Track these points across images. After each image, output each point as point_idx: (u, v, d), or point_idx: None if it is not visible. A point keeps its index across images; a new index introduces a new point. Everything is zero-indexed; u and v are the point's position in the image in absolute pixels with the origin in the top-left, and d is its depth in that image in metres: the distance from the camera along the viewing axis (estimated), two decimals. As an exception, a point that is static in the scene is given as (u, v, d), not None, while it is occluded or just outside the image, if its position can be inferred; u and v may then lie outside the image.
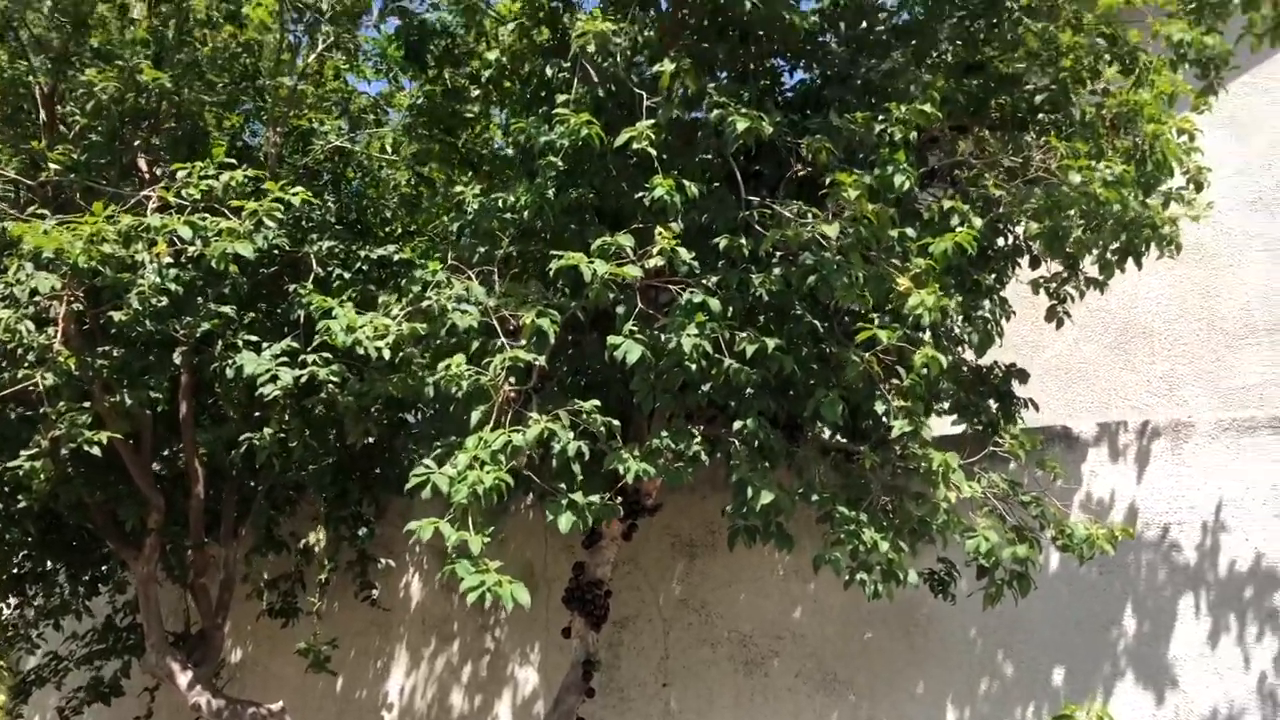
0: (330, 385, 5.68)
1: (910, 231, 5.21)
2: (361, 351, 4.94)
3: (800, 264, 5.03)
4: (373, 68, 7.68)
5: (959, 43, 6.74)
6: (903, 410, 5.05)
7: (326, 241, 6.48)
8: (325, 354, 5.56)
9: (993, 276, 7.00)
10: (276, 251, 6.67)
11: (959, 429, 7.03)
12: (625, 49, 5.20)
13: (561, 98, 5.21)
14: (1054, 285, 7.23)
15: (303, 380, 5.66)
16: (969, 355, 6.72)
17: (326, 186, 7.33)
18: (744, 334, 4.95)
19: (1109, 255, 6.21)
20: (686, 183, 5.08)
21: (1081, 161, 5.32)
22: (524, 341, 4.88)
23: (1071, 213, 5.61)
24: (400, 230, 7.24)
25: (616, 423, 4.93)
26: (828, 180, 4.94)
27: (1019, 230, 6.62)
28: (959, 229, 5.26)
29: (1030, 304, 7.37)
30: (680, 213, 5.01)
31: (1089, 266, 6.77)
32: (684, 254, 4.84)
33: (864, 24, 6.69)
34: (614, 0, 5.70)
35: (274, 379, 5.65)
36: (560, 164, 5.10)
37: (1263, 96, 9.17)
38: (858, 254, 4.81)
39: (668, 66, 5.07)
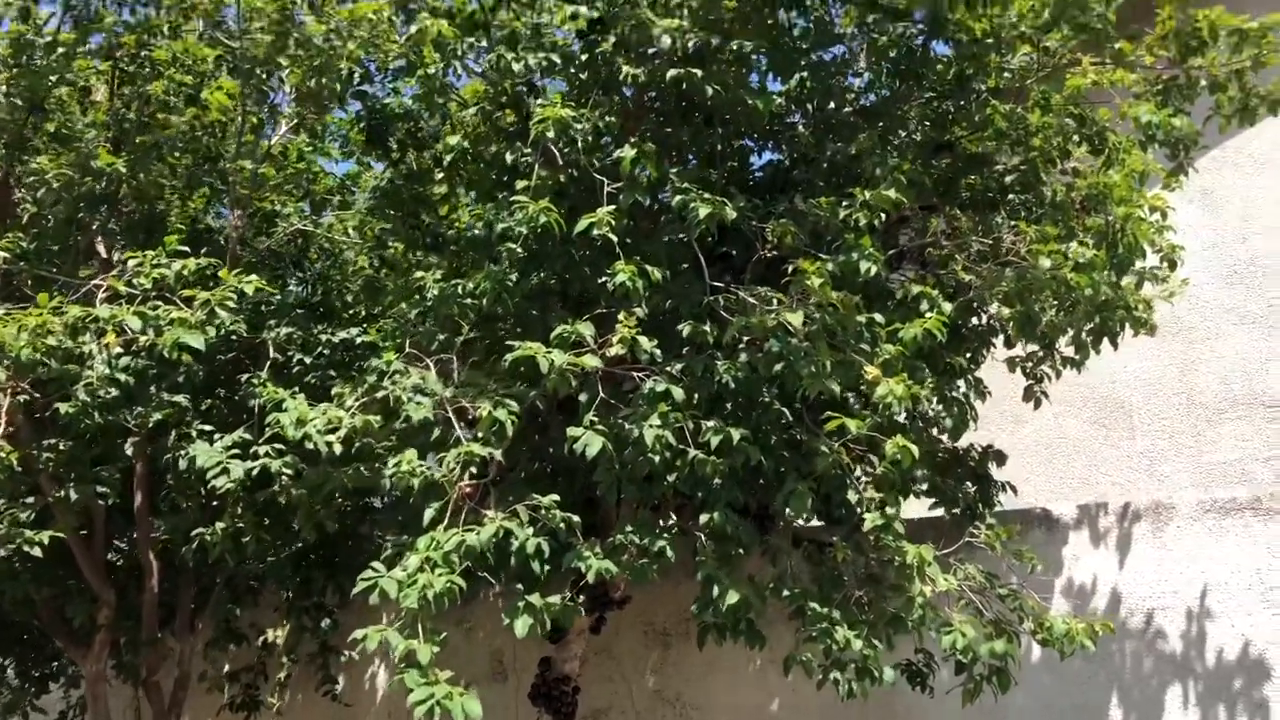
0: (284, 477, 5.48)
1: (879, 317, 5.09)
2: (312, 446, 4.76)
3: (766, 351, 4.89)
4: (339, 148, 7.59)
5: (927, 123, 6.70)
6: (875, 502, 4.90)
7: (285, 328, 6.33)
8: (279, 445, 5.37)
9: (967, 356, 6.91)
10: (234, 337, 6.51)
11: (936, 512, 6.87)
12: (586, 134, 5.11)
13: (522, 183, 5.10)
14: (1030, 365, 7.14)
15: (255, 473, 5.47)
16: (945, 436, 6.58)
17: (288, 269, 7.20)
18: (710, 424, 4.79)
19: (1083, 336, 6.11)
20: (650, 268, 4.96)
21: (1051, 246, 5.23)
22: (481, 434, 4.71)
23: (1044, 295, 5.52)
24: (364, 313, 7.11)
25: (577, 519, 4.74)
26: (790, 268, 4.83)
27: (992, 310, 6.52)
28: (929, 314, 5.15)
29: (1010, 377, 7.26)
30: (643, 298, 4.88)
31: (1064, 346, 6.68)
32: (645, 343, 4.70)
33: (831, 105, 6.65)
34: (576, 85, 5.62)
35: (225, 471, 5.45)
36: (520, 250, 4.98)
37: (1233, 170, 9.16)
38: (824, 342, 4.67)
39: (628, 152, 4.98)
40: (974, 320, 6.70)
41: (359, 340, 6.68)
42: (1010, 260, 5.45)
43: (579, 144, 5.02)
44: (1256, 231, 9.36)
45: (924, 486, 6.69)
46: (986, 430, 7.47)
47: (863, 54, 6.62)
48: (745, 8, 5.93)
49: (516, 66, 5.17)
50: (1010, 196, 6.38)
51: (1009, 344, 7.17)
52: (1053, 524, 7.27)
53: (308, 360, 6.66)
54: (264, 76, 6.82)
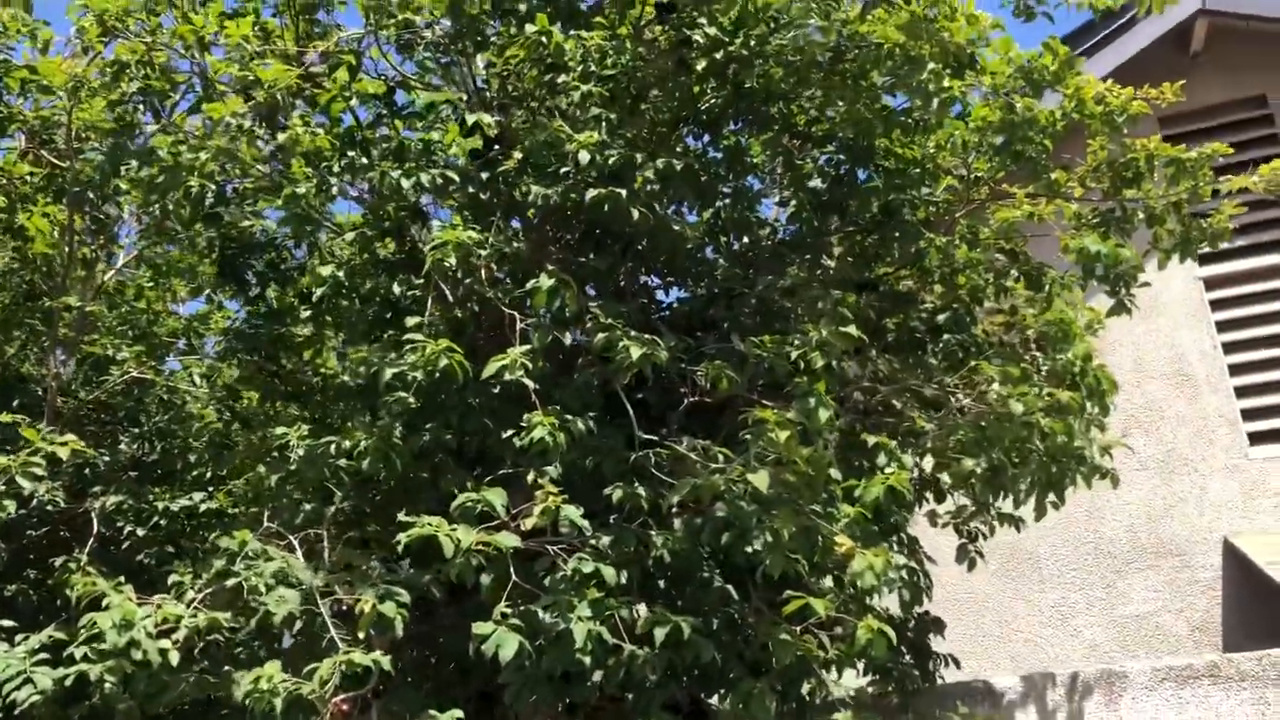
0: (106, 686, 4.30)
1: (834, 473, 4.36)
2: (140, 656, 3.67)
3: (709, 518, 4.09)
4: (185, 283, 6.59)
5: (850, 259, 6.16)
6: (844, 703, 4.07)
7: (114, 495, 5.22)
8: (101, 646, 4.20)
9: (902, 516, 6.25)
10: (53, 508, 5.37)
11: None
12: (491, 262, 4.32)
13: (413, 320, 4.25)
14: (960, 521, 6.51)
15: (69, 682, 4.28)
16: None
17: (121, 424, 6.09)
18: (646, 612, 3.92)
19: (1025, 489, 5.49)
20: (570, 419, 4.13)
21: (1021, 389, 4.62)
22: (362, 633, 3.72)
23: (1008, 445, 4.89)
24: (209, 475, 6.02)
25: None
26: (749, 420, 4.06)
27: (928, 463, 5.89)
28: (888, 469, 4.44)
29: (920, 532, 6.63)
30: (556, 455, 4.04)
31: (999, 501, 6.09)
32: (573, 513, 3.83)
33: (746, 238, 6.06)
34: (472, 208, 4.85)
35: (29, 682, 4.25)
36: (412, 400, 4.08)
37: (1122, 318, 8.99)
38: (788, 508, 3.89)
39: (545, 282, 4.19)
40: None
41: (203, 508, 5.60)
42: (964, 406, 4.83)
43: (481, 274, 4.21)
44: (1151, 377, 9.20)
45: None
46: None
47: (780, 184, 6.09)
48: (657, 129, 5.33)
49: (406, 184, 4.36)
50: (946, 337, 5.83)
51: (939, 497, 6.56)
52: (996, 699, 6.53)
53: (140, 533, 5.53)
54: (98, 201, 5.86)
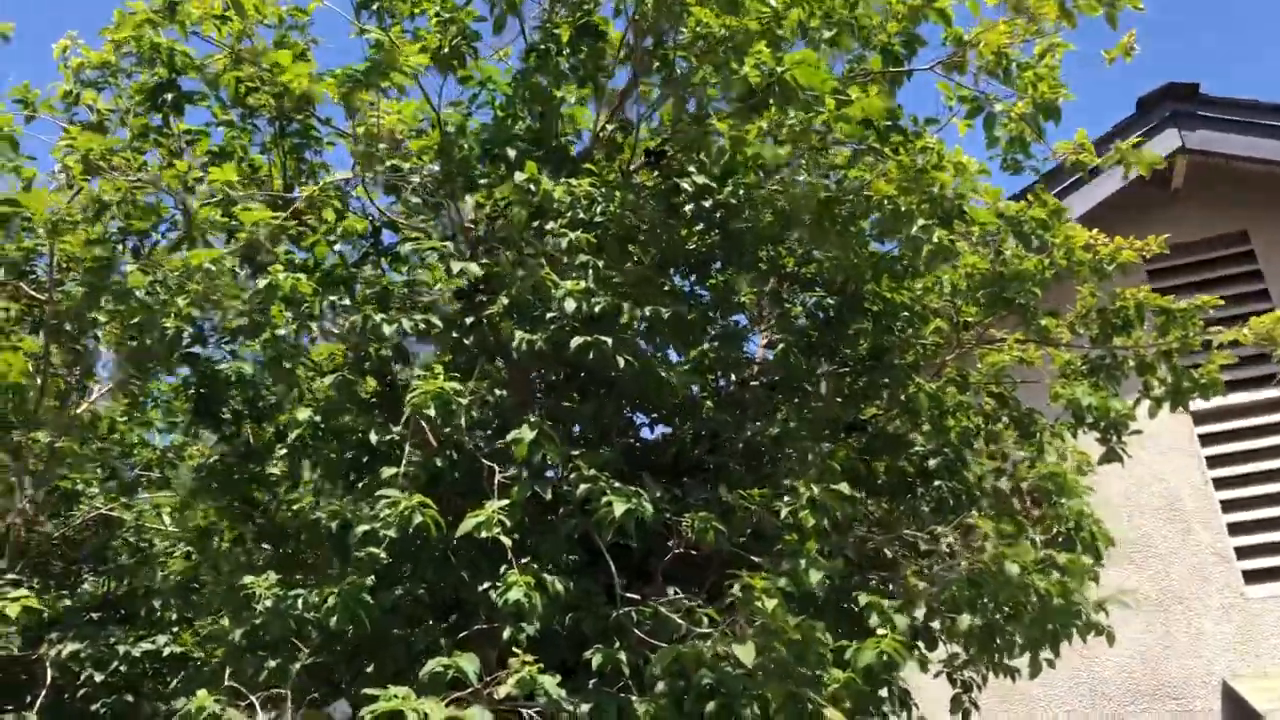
0: None
1: (825, 637, 4.18)
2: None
3: (695, 684, 3.90)
4: (162, 416, 6.45)
5: (838, 399, 6.07)
6: None
7: (72, 643, 4.99)
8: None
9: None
10: (4, 654, 5.14)
11: None
12: (471, 410, 4.21)
13: (389, 471, 4.11)
14: (954, 670, 6.31)
15: None
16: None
17: (86, 562, 5.89)
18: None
19: (1020, 645, 5.31)
20: (548, 578, 3.97)
21: (1019, 549, 4.48)
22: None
23: (1002, 602, 4.74)
24: (174, 617, 5.80)
25: None
26: (737, 586, 3.91)
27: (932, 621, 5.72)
28: (881, 631, 4.27)
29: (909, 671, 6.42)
30: (538, 614, 3.87)
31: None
32: (550, 683, 3.64)
33: (734, 378, 5.98)
34: (455, 350, 4.76)
35: None
36: (383, 556, 3.92)
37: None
38: (775, 680, 3.71)
39: (526, 434, 4.07)
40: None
41: (166, 651, 5.36)
42: (957, 560, 4.69)
43: (461, 422, 4.10)
44: (1142, 511, 9.06)
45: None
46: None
47: (768, 324, 6.03)
48: (643, 272, 5.28)
49: (388, 330, 4.28)
50: (937, 483, 5.71)
51: (931, 646, 6.37)
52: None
53: (99, 678, 5.28)
54: (76, 333, 5.76)
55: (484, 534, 3.84)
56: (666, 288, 5.68)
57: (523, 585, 3.79)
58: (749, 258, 5.55)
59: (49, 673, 4.93)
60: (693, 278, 5.88)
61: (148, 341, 4.36)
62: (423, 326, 4.35)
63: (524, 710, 3.89)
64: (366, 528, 3.87)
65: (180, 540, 5.65)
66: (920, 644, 6.17)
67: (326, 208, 4.45)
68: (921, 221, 4.43)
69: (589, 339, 4.23)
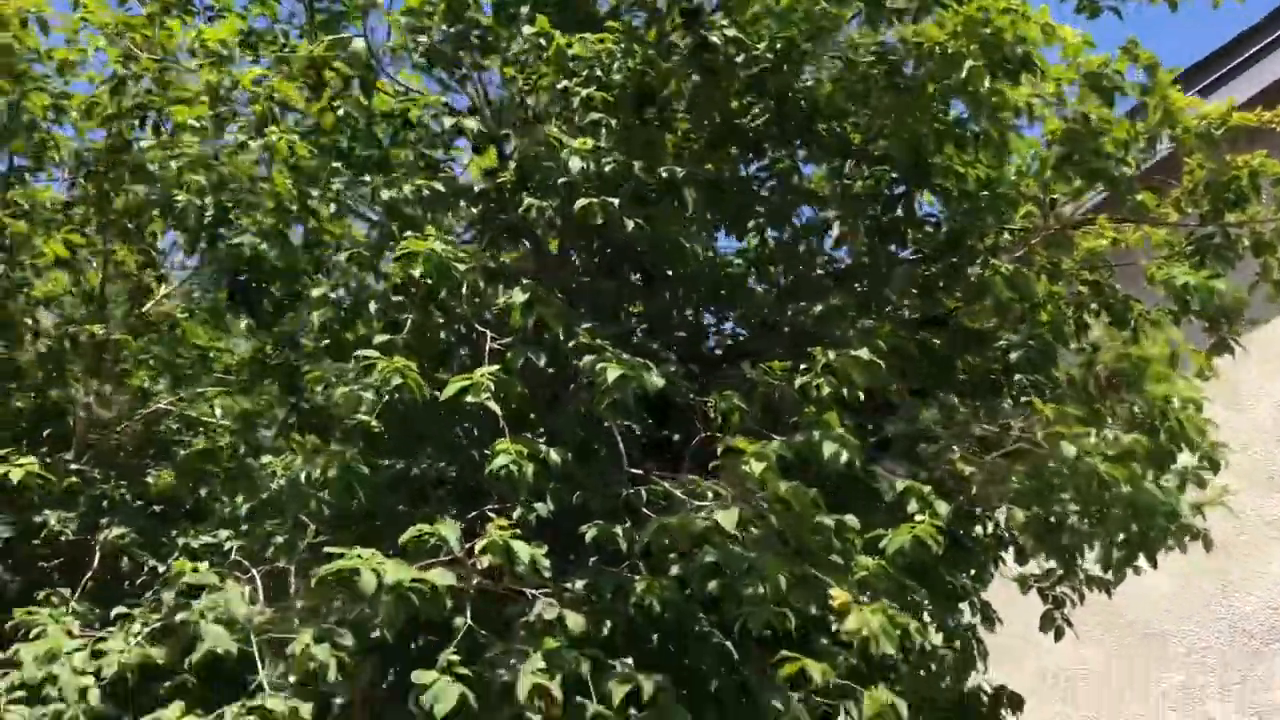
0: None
1: (852, 520, 3.83)
2: (56, 693, 3.38)
3: (700, 563, 3.61)
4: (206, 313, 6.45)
5: (914, 291, 5.61)
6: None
7: (118, 528, 5.05)
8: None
9: (970, 574, 5.61)
10: (64, 539, 5.25)
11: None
12: (477, 278, 3.97)
13: (381, 338, 3.93)
14: (1047, 585, 5.83)
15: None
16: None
17: (150, 458, 5.96)
18: (619, 669, 3.47)
19: (1115, 550, 4.81)
20: (547, 449, 3.73)
21: (1075, 428, 4.00)
22: (296, 678, 3.36)
23: (1066, 494, 4.27)
24: (230, 511, 5.81)
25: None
26: (718, 449, 3.60)
27: (1001, 516, 5.28)
28: (918, 518, 3.88)
29: (1015, 596, 5.96)
30: (538, 488, 3.63)
31: (1090, 563, 5.40)
32: (523, 550, 3.40)
33: (800, 268, 5.58)
34: (480, 225, 4.52)
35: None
36: (375, 425, 3.75)
37: (1260, 365, 8.07)
38: (771, 553, 3.39)
39: (518, 296, 3.82)
40: (978, 529, 5.47)
41: (228, 546, 5.36)
42: (1021, 449, 4.23)
43: (463, 289, 3.87)
44: (1295, 436, 8.25)
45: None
46: (991, 660, 6.18)
47: (836, 211, 5.60)
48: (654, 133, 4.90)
49: (386, 195, 4.08)
50: (1017, 377, 5.22)
51: (1021, 557, 5.89)
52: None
53: (161, 569, 5.32)
54: (141, 231, 5.81)
55: (470, 399, 3.62)
56: (728, 171, 5.34)
57: (513, 452, 3.55)
58: (808, 132, 5.15)
59: (96, 557, 4.97)
60: (752, 161, 5.50)
61: (170, 224, 4.26)
62: (428, 195, 4.12)
63: (527, 591, 3.68)
64: (344, 390, 3.70)
65: (230, 432, 5.65)
66: (1004, 555, 5.73)
67: (340, 74, 4.25)
68: (971, 63, 3.94)
69: (595, 200, 3.94)
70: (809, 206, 5.65)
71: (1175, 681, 8.11)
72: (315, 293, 4.39)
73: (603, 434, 4.04)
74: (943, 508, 3.93)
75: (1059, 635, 5.88)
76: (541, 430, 4.01)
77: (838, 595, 3.39)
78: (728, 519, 3.34)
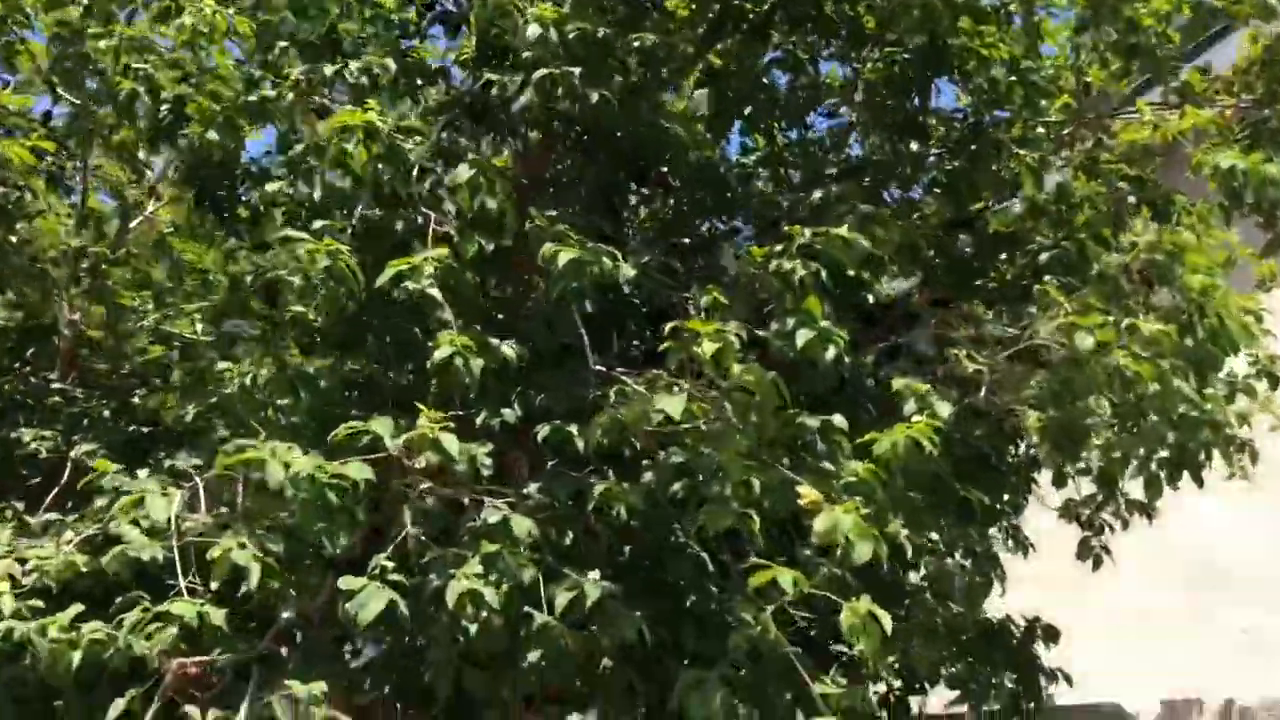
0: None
1: (839, 421, 3.44)
2: (-35, 602, 3.15)
3: (664, 464, 3.27)
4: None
5: (936, 190, 5.16)
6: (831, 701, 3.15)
7: (88, 443, 4.85)
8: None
9: (1004, 500, 5.20)
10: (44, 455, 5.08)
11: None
12: (424, 155, 3.62)
13: (320, 222, 3.62)
14: (1086, 511, 5.40)
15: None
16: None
17: (137, 377, 5.74)
18: (571, 577, 3.14)
19: (1153, 466, 4.36)
20: (499, 344, 3.40)
21: (1094, 319, 3.55)
22: (215, 583, 3.10)
23: (1091, 402, 3.82)
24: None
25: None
26: (667, 327, 3.22)
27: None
28: (916, 419, 3.48)
29: (1072, 533, 5.55)
30: (482, 386, 3.30)
31: (1131, 484, 4.96)
32: (453, 445, 3.07)
33: (815, 169, 5.16)
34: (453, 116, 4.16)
35: None
36: (312, 317, 3.44)
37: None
38: (732, 449, 3.02)
39: (464, 173, 3.46)
40: (1011, 450, 5.05)
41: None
42: (1035, 345, 3.80)
43: (401, 165, 3.52)
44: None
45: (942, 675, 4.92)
46: (1041, 601, 5.77)
47: (854, 102, 5.15)
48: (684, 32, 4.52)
49: (329, 70, 3.74)
50: (1048, 278, 4.76)
51: (1058, 481, 5.45)
52: (1124, 724, 5.37)
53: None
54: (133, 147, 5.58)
55: (411, 286, 3.29)
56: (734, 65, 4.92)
57: (457, 344, 3.22)
58: (816, 17, 4.71)
59: (68, 469, 4.76)
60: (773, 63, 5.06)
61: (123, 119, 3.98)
62: (377, 71, 3.77)
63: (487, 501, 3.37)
64: (273, 274, 3.39)
65: (212, 348, 5.39)
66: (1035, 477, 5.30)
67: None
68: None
69: (554, 71, 3.55)
70: (822, 104, 5.22)
71: (1242, 622, 7.62)
72: (270, 187, 4.09)
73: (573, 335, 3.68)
74: (944, 408, 3.53)
75: (1097, 564, 5.46)
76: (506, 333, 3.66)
77: (806, 494, 3.01)
78: (673, 405, 2.98)
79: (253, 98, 4.05)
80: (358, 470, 3.00)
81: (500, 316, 3.92)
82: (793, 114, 4.97)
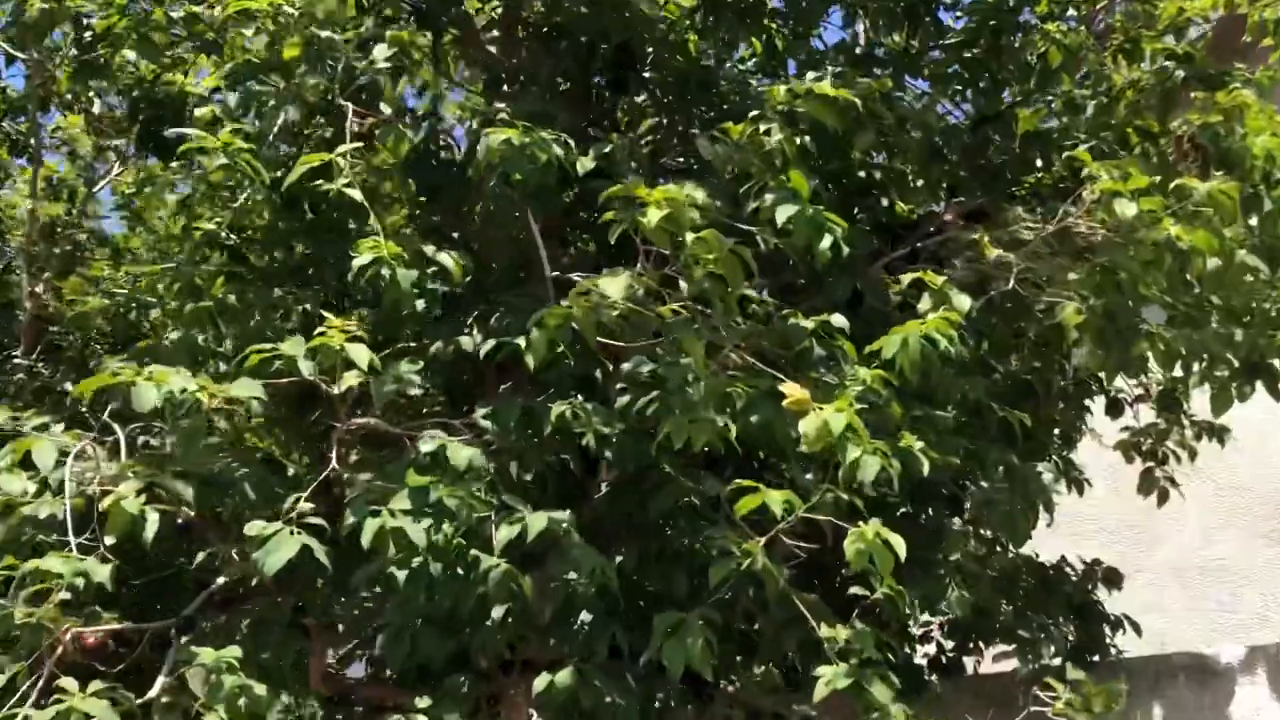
0: None
1: (839, 320, 2.92)
2: None
3: (632, 375, 2.78)
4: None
5: (958, 86, 4.59)
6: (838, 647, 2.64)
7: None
8: None
9: (1055, 434, 4.66)
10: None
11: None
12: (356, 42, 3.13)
13: (229, 128, 3.16)
14: (1147, 440, 4.85)
15: None
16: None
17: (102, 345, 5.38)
18: (515, 510, 2.67)
19: (1216, 374, 3.77)
20: (434, 250, 2.92)
21: (1137, 181, 2.99)
22: (111, 539, 2.66)
23: (1141, 290, 3.24)
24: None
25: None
26: (601, 195, 2.71)
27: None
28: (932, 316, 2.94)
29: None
30: (412, 298, 2.82)
31: (1197, 401, 4.41)
32: (361, 355, 2.59)
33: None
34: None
35: None
36: (207, 219, 2.99)
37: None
38: (695, 345, 2.51)
39: (380, 54, 2.98)
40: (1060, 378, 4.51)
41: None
42: (1069, 228, 3.24)
43: (340, 60, 3.04)
44: None
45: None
46: (1110, 547, 5.25)
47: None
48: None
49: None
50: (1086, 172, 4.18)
51: (1113, 410, 4.89)
52: (1208, 674, 4.78)
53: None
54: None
55: (326, 186, 2.82)
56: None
57: (380, 251, 2.75)
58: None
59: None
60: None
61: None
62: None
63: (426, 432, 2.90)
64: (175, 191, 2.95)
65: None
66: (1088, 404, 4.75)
67: None
68: None
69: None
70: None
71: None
72: (200, 112, 3.65)
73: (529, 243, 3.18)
74: (963, 301, 2.99)
75: (1163, 499, 4.89)
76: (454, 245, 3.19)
77: (791, 392, 2.50)
78: (614, 286, 2.48)
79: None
80: (246, 388, 2.54)
81: (451, 231, 3.43)
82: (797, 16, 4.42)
